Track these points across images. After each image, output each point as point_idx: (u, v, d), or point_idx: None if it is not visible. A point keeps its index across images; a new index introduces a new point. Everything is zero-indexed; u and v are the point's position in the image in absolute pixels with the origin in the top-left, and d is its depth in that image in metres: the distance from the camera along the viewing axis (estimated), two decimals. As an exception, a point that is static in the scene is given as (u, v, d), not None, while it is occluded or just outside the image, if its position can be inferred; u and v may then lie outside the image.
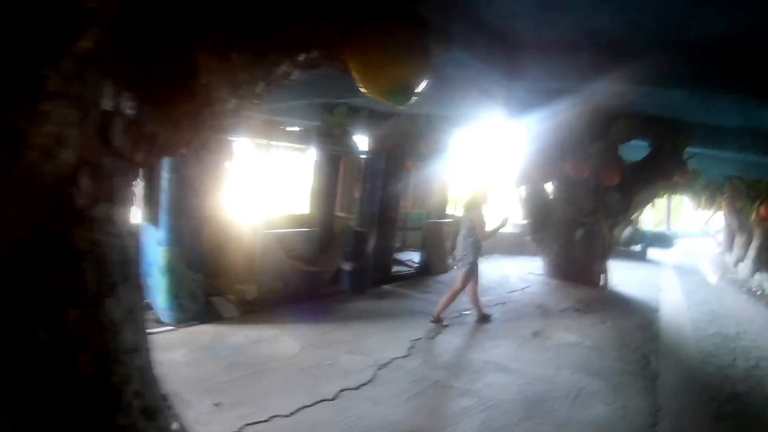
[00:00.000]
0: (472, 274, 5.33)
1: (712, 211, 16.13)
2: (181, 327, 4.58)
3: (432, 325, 5.32)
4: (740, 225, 12.42)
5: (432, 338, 5.01)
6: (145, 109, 1.71)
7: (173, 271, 4.59)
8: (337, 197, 7.56)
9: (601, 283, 7.90)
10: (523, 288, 7.59)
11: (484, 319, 5.59)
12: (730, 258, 13.23)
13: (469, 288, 5.43)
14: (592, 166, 6.78)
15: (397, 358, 4.37)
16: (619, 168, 7.02)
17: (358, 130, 9.42)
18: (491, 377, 4.16)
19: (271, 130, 7.84)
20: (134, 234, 1.93)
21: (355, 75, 2.35)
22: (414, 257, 8.54)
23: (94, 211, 1.56)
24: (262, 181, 7.66)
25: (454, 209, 10.36)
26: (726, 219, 14.10)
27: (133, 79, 1.61)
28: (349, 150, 7.08)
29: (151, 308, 4.75)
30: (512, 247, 10.69)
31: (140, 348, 1.86)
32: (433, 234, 8.25)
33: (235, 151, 7.55)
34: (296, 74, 2.56)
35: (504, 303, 6.57)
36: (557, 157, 7.03)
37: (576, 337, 5.26)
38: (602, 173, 6.96)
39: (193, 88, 1.82)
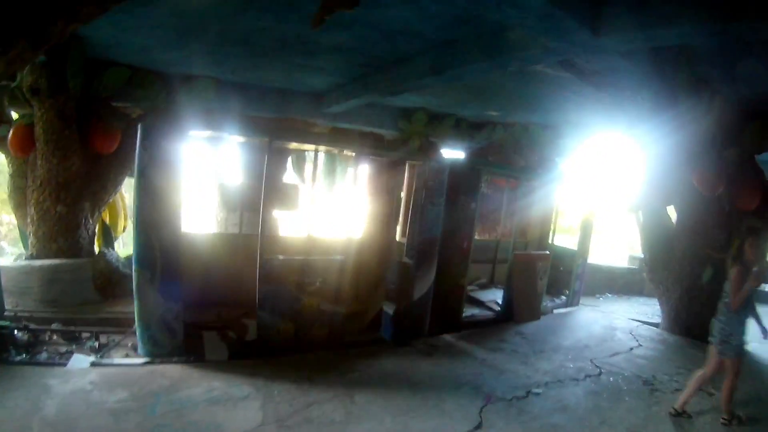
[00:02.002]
0: (737, 361, 3.62)
1: None
2: (152, 363, 3.91)
3: (475, 415, 3.59)
4: None
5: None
6: None
7: (142, 298, 3.86)
8: (397, 219, 6.17)
9: None
10: (630, 349, 5.64)
11: (731, 421, 3.72)
12: None
13: (703, 375, 3.79)
14: (726, 180, 5.20)
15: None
16: (759, 186, 5.34)
17: (446, 142, 7.96)
18: None
19: (330, 135, 6.87)
20: None
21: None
22: (500, 297, 6.67)
23: None
24: (305, 194, 6.61)
25: (565, 239, 8.15)
26: None
27: None
28: (419, 160, 5.48)
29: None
30: (628, 285, 8.86)
31: None
32: (522, 269, 6.23)
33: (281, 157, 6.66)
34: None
35: (598, 374, 4.63)
36: (682, 168, 5.38)
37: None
38: (738, 192, 5.35)
39: None
